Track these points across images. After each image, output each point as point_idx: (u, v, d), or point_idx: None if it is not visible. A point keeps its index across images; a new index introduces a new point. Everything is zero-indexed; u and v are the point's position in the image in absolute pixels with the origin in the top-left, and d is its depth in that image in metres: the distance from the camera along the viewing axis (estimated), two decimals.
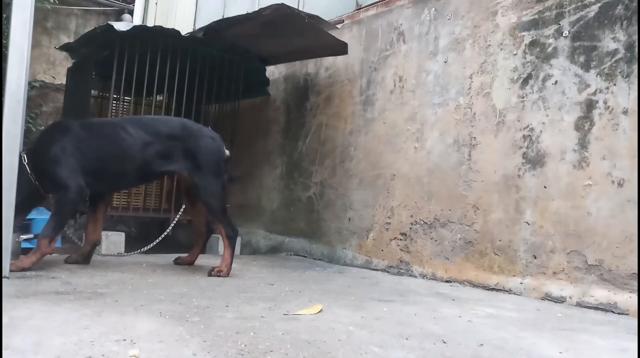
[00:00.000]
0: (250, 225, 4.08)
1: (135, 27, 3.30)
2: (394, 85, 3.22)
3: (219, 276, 2.39)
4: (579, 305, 2.21)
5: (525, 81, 2.55)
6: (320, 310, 1.74)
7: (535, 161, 2.46)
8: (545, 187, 2.41)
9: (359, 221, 3.31)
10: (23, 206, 2.25)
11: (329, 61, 3.75)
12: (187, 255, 2.79)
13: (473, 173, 2.71)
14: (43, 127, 5.11)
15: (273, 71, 4.23)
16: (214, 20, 3.49)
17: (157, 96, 4.29)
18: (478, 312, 1.95)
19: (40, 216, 3.34)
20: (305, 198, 3.71)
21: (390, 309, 1.89)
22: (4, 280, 1.88)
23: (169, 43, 3.46)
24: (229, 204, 3.92)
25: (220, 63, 3.77)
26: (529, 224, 2.45)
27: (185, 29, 4.78)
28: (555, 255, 2.34)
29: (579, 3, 2.38)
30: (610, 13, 2.27)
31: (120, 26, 3.21)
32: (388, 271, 3.02)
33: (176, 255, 2.87)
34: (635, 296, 2.06)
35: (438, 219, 2.85)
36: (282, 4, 3.05)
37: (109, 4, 5.64)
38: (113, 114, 3.61)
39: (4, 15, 3.26)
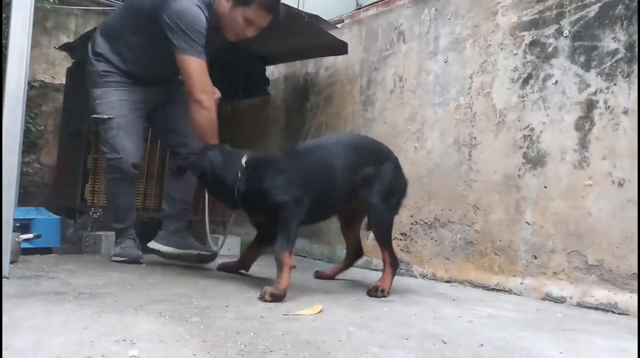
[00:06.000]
0: (250, 224, 4.07)
1: None
2: (394, 85, 3.22)
3: (382, 295, 2.16)
4: (579, 305, 2.21)
5: (526, 81, 2.55)
6: (320, 310, 1.74)
7: (535, 161, 2.46)
8: (545, 187, 2.41)
9: None
10: None
11: (329, 60, 3.75)
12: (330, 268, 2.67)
13: (473, 173, 2.71)
14: (42, 127, 5.10)
15: (273, 71, 4.22)
16: None
17: None
18: (478, 312, 1.95)
19: (40, 216, 3.33)
20: None
21: (390, 309, 1.89)
22: (3, 280, 1.88)
23: None
24: None
25: (219, 63, 3.77)
26: (529, 224, 2.45)
27: None
28: (556, 255, 2.34)
29: (579, 3, 2.38)
30: (611, 13, 2.27)
31: None
32: None
33: None
34: (635, 296, 2.06)
35: (438, 219, 2.85)
36: (282, 3, 3.04)
37: (109, 4, 5.63)
38: None
39: (4, 15, 3.26)
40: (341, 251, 3.36)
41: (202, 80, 2.35)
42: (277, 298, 1.87)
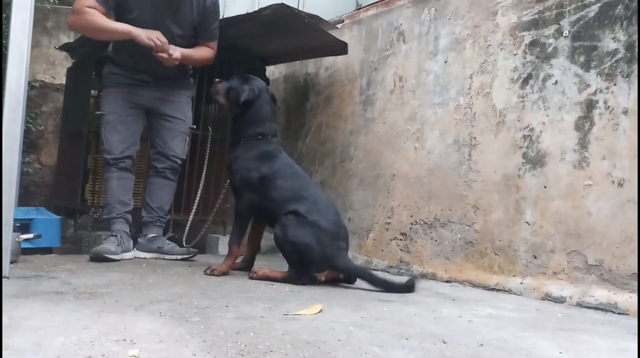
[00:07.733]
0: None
1: None
2: (394, 85, 3.22)
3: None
4: (579, 305, 2.21)
5: (526, 81, 2.55)
6: (320, 310, 1.74)
7: (535, 161, 2.46)
8: (545, 187, 2.41)
9: (359, 221, 3.31)
10: None
11: (329, 61, 3.75)
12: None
13: (473, 173, 2.71)
14: (42, 127, 5.11)
15: (273, 71, 4.22)
16: None
17: None
18: (478, 312, 1.95)
19: (40, 216, 3.34)
20: None
21: (390, 309, 1.89)
22: (3, 280, 1.88)
23: None
24: (229, 204, 3.92)
25: (219, 63, 3.78)
26: (529, 224, 2.45)
27: None
28: (556, 255, 2.34)
29: (579, 3, 2.38)
30: (611, 13, 2.27)
31: None
32: (388, 271, 3.02)
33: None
34: (635, 296, 2.06)
35: (438, 219, 2.85)
36: (282, 3, 3.04)
37: None
38: None
39: (4, 15, 3.27)
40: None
41: (78, 5, 2.65)
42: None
